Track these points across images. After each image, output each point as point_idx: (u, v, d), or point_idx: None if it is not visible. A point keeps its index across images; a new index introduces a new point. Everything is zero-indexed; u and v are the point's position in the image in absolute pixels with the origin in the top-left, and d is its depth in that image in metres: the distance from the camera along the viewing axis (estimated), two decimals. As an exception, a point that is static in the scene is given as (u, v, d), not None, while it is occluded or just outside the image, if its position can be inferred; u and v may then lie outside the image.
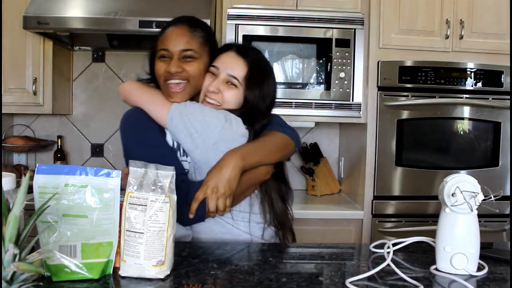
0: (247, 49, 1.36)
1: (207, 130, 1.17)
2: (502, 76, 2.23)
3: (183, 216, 1.13)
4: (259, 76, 1.28)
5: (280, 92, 2.18)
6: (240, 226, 1.25)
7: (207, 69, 1.27)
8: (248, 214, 1.26)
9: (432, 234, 1.08)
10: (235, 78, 1.24)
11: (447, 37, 2.21)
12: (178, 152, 1.24)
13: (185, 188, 1.15)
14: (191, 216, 1.15)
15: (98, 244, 0.89)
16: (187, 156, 1.25)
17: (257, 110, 1.27)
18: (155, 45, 1.28)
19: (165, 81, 1.23)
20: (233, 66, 1.25)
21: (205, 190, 1.14)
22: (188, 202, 1.14)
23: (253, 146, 1.23)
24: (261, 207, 1.28)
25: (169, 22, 1.29)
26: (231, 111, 1.24)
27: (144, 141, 1.20)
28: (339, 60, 2.22)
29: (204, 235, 1.26)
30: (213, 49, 1.30)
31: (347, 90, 2.23)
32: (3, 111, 2.38)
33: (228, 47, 1.32)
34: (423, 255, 1.11)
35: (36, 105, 2.40)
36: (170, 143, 1.24)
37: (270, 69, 1.36)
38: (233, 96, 1.25)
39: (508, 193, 2.22)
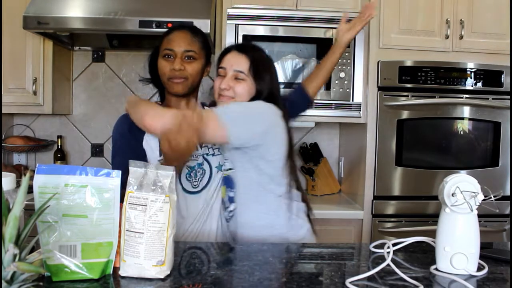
0: (246, 46, 1.50)
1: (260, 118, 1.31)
2: (502, 76, 2.23)
3: None
4: (263, 66, 1.41)
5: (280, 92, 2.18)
6: (296, 220, 1.44)
7: (203, 70, 1.44)
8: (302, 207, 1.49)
9: (432, 234, 1.08)
10: (241, 72, 1.38)
11: (447, 37, 2.21)
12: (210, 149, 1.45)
13: None
14: None
15: (98, 244, 0.89)
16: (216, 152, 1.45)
17: (274, 94, 1.41)
18: (158, 46, 1.43)
19: (168, 79, 1.39)
20: (237, 63, 1.39)
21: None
22: None
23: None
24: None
25: (172, 28, 1.45)
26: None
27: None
28: (339, 60, 2.21)
29: (250, 230, 1.38)
30: (209, 53, 1.47)
31: (347, 90, 2.23)
32: (3, 111, 2.38)
33: (229, 49, 1.45)
34: (423, 255, 1.12)
35: (36, 105, 2.40)
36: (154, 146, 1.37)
37: (270, 59, 1.48)
38: (243, 89, 1.38)
39: (508, 193, 2.22)
